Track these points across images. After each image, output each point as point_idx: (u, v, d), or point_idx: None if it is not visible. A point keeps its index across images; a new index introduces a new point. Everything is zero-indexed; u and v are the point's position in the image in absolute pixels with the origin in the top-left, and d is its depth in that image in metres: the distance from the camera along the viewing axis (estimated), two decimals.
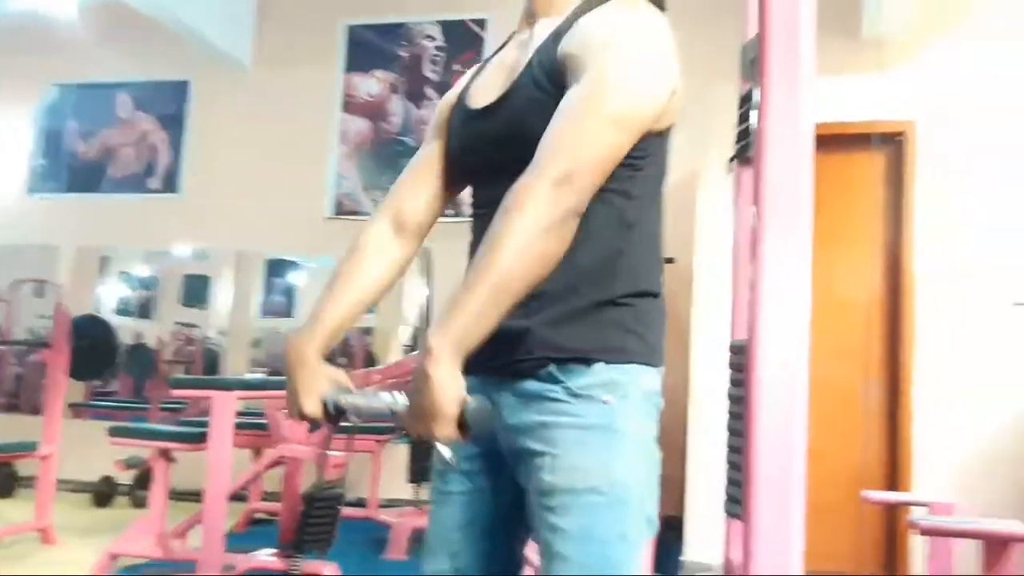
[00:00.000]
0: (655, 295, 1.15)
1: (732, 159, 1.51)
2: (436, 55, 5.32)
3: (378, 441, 4.21)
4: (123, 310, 5.78)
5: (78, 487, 4.80)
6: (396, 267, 1.29)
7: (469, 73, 1.35)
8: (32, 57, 5.77)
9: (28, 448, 3.90)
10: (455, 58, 5.26)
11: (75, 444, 4.22)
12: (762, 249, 1.12)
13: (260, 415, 3.83)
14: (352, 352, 5.58)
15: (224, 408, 2.82)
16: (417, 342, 5.43)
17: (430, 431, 0.96)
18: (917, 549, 3.37)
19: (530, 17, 1.25)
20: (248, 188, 5.37)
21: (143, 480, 4.66)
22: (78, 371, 4.06)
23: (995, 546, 1.87)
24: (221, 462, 2.85)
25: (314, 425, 1.21)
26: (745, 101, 1.40)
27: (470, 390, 1.16)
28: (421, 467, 4.05)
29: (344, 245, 4.64)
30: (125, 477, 4.60)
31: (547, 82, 1.12)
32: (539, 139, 1.08)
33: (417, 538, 3.92)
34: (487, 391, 1.11)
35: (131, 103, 5.73)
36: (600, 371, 1.08)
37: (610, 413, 1.07)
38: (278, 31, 5.53)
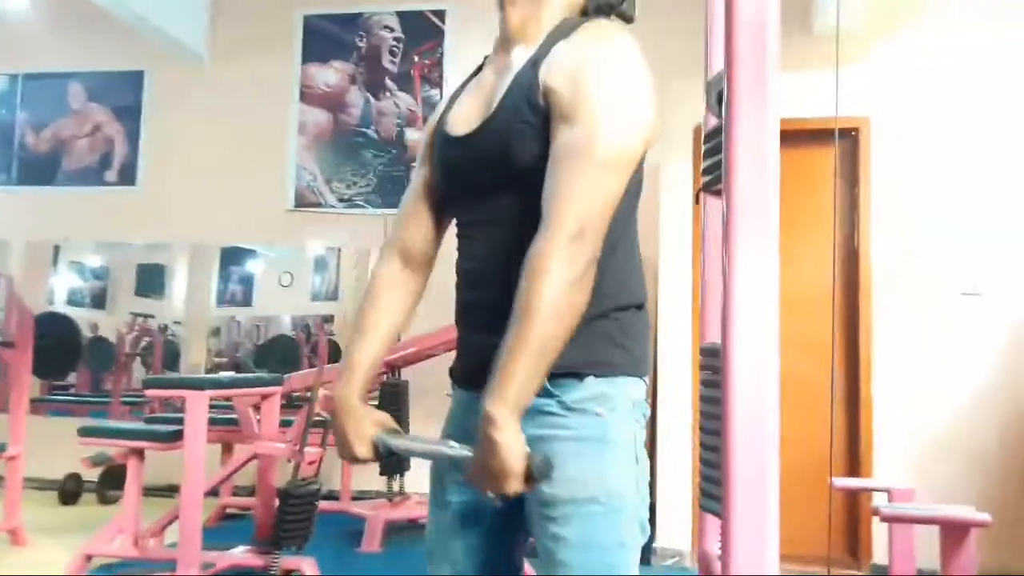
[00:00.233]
0: (639, 307, 1.22)
1: (700, 191, 1.59)
2: (395, 46, 5.32)
3: None
4: (75, 301, 5.69)
5: (43, 485, 4.75)
6: (412, 298, 1.37)
7: (447, 97, 1.39)
8: None
9: None
10: (414, 49, 5.26)
11: (36, 441, 4.15)
12: (733, 275, 1.19)
13: (228, 407, 3.86)
14: (313, 341, 5.60)
15: (198, 407, 2.84)
16: None
17: (501, 488, 1.05)
18: (880, 533, 3.53)
19: (505, 43, 1.29)
20: (208, 180, 5.32)
21: (110, 477, 4.64)
22: (41, 369, 4.02)
23: (953, 531, 1.99)
24: (196, 461, 2.87)
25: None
26: (712, 136, 1.46)
27: (466, 404, 1.23)
28: (394, 459, 4.11)
29: (306, 236, 4.66)
30: (91, 474, 4.56)
31: (528, 110, 1.16)
32: (521, 164, 1.15)
33: (391, 530, 3.98)
34: (474, 403, 1.18)
35: (84, 94, 5.62)
36: (591, 384, 1.15)
37: (603, 425, 1.14)
38: (234, 21, 5.47)
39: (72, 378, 5.69)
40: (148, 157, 5.51)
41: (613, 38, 1.18)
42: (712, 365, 1.51)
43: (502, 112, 1.19)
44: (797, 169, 4.14)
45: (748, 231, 1.23)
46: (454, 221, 1.35)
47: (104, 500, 4.71)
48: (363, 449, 1.23)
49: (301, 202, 5.29)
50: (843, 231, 3.99)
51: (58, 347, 3.99)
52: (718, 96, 1.36)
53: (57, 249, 5.70)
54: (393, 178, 5.21)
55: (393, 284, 1.35)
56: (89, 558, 3.13)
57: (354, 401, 1.26)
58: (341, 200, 5.25)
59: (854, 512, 3.86)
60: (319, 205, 5.27)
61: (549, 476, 1.05)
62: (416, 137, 5.20)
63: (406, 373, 4.29)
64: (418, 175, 1.39)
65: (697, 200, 1.50)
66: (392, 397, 4.17)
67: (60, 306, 5.60)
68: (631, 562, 1.16)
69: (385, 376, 4.30)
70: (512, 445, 1.03)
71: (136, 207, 5.42)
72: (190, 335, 5.63)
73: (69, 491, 4.74)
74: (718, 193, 1.39)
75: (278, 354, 5.59)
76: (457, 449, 1.12)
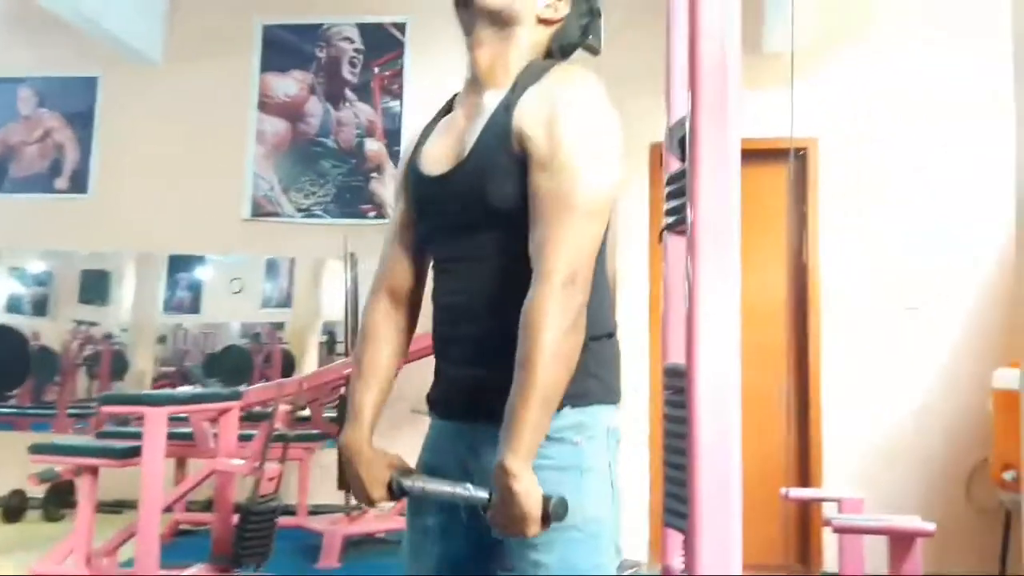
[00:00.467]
0: (610, 335, 1.27)
1: (663, 230, 1.64)
2: (355, 57, 5.31)
3: (306, 448, 4.22)
4: (15, 307, 5.50)
5: None
6: (406, 336, 1.40)
7: (417, 133, 1.42)
8: None
9: None
10: (374, 60, 5.27)
11: None
12: (697, 304, 1.24)
13: (183, 420, 3.80)
14: (266, 350, 5.54)
15: (156, 424, 2.81)
16: (334, 342, 5.43)
17: (523, 533, 1.10)
18: (830, 540, 3.63)
19: (475, 84, 1.32)
20: (163, 189, 5.24)
21: (56, 493, 4.54)
22: None
23: (901, 540, 2.08)
24: (154, 478, 2.84)
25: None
26: (674, 179, 1.51)
27: (446, 435, 1.26)
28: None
29: (262, 246, 4.62)
30: (35, 490, 4.46)
31: (503, 154, 1.20)
32: (498, 205, 1.20)
33: (349, 545, 3.96)
34: (463, 435, 1.21)
35: (34, 99, 5.50)
36: (568, 415, 1.18)
37: (580, 453, 1.19)
38: (191, 28, 5.41)
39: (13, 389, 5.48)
40: (101, 164, 5.39)
41: (581, 82, 1.23)
42: (675, 385, 1.56)
43: (476, 155, 1.23)
44: (746, 187, 4.23)
45: (712, 265, 1.28)
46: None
47: (50, 517, 4.60)
48: (379, 492, 1.27)
49: (258, 211, 5.24)
50: (793, 247, 4.11)
51: (4, 363, 3.87)
52: (680, 141, 1.41)
53: None
54: (352, 188, 5.20)
55: (386, 324, 1.38)
56: None
57: (365, 447, 1.29)
58: (299, 210, 5.22)
59: (805, 520, 3.97)
60: (276, 215, 5.23)
61: (564, 516, 1.10)
62: (375, 148, 5.21)
63: None
64: (397, 213, 1.41)
65: (660, 239, 1.55)
66: None
67: None
68: None
69: (344, 389, 4.29)
70: (530, 493, 1.08)
71: (88, 215, 5.30)
72: (136, 343, 5.49)
73: (13, 508, 4.61)
74: (681, 232, 1.44)
75: (229, 364, 5.51)
76: (472, 491, 1.16)
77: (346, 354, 4.54)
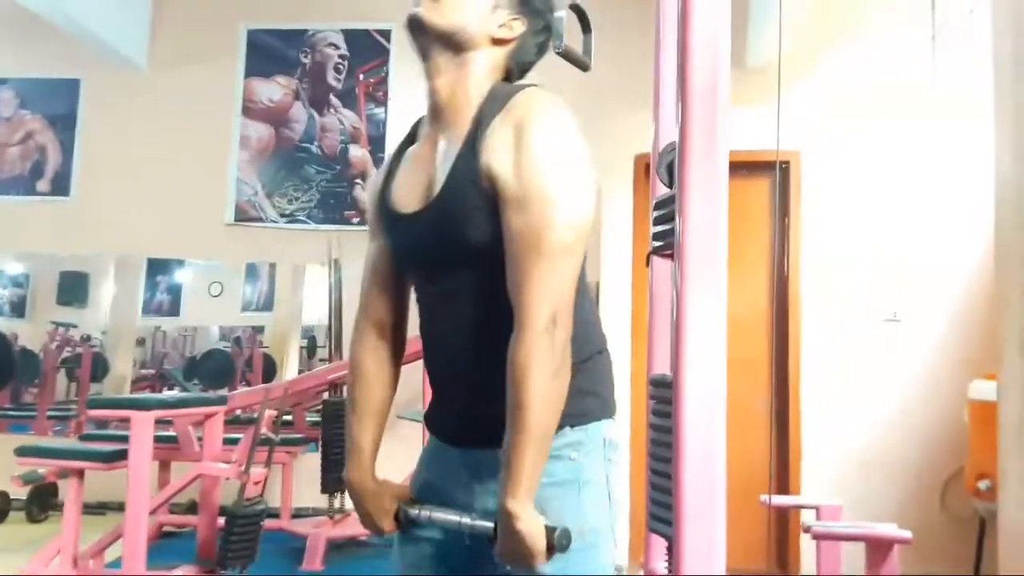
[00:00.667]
0: (601, 351, 1.32)
1: (650, 254, 1.68)
2: (340, 63, 5.34)
3: (289, 452, 4.24)
4: None
5: None
6: (395, 366, 1.43)
7: (383, 167, 1.41)
8: None
9: None
10: (359, 67, 5.30)
11: None
12: (684, 319, 1.29)
13: (166, 423, 3.81)
14: (247, 354, 5.54)
15: (143, 428, 2.83)
16: (315, 346, 5.46)
17: (529, 567, 1.15)
18: (807, 546, 3.71)
19: (437, 114, 1.30)
20: (145, 193, 5.23)
21: (38, 495, 4.54)
22: None
23: (878, 547, 2.14)
24: (141, 481, 2.86)
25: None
26: (664, 204, 1.56)
27: (445, 455, 1.30)
28: (335, 477, 4.12)
29: (246, 251, 4.62)
30: (18, 491, 4.45)
31: (475, 194, 1.19)
32: (473, 243, 1.20)
33: (332, 548, 3.99)
34: (463, 458, 1.27)
35: (16, 101, 5.48)
36: (566, 433, 1.22)
37: (577, 468, 1.23)
38: (176, 31, 5.42)
39: None
40: (83, 168, 5.38)
41: (547, 112, 1.20)
42: (662, 396, 1.61)
43: (447, 194, 1.22)
44: (728, 199, 4.31)
45: (699, 282, 1.33)
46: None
47: (33, 519, 4.58)
48: (388, 523, 1.33)
49: (242, 216, 5.25)
50: (774, 259, 4.19)
51: None
52: (668, 166, 1.45)
53: None
54: (336, 194, 5.22)
55: (374, 360, 1.40)
56: None
57: (369, 484, 1.35)
58: (282, 215, 5.24)
59: (783, 525, 4.04)
60: (260, 220, 5.24)
61: (568, 546, 1.16)
62: (359, 154, 5.24)
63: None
64: (373, 248, 1.42)
65: (648, 263, 1.59)
66: (335, 415, 4.19)
67: None
68: None
69: (327, 394, 4.32)
70: (534, 532, 1.13)
71: (70, 218, 5.28)
72: (115, 346, 5.47)
73: None
74: (668, 256, 1.50)
75: (211, 368, 5.51)
76: (478, 522, 1.22)
77: (329, 359, 4.57)
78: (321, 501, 4.36)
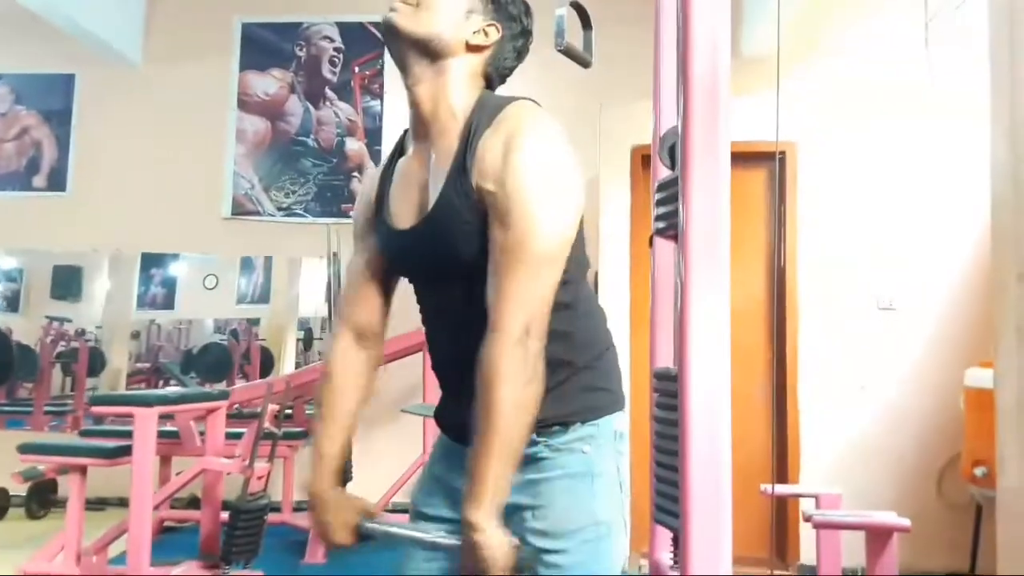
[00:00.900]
0: (607, 348, 1.33)
1: (653, 236, 1.69)
2: (335, 56, 5.33)
3: (290, 446, 4.26)
4: None
5: None
6: (370, 371, 1.42)
7: (375, 176, 1.42)
8: None
9: None
10: (354, 60, 5.29)
11: None
12: (688, 310, 1.30)
13: (169, 418, 3.82)
14: (245, 347, 5.53)
15: (147, 424, 2.84)
16: (311, 339, 5.46)
17: None
18: (806, 534, 3.74)
19: (423, 127, 1.31)
20: (142, 188, 5.23)
21: (38, 492, 4.55)
22: None
23: (878, 536, 2.17)
24: (144, 477, 2.87)
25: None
26: (666, 187, 1.57)
27: (457, 453, 1.31)
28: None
29: (244, 245, 4.61)
30: (18, 487, 4.46)
31: (468, 212, 1.21)
32: (468, 259, 1.21)
33: None
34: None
35: (11, 96, 5.46)
36: (578, 428, 1.25)
37: (588, 460, 1.25)
38: (170, 25, 5.40)
39: None
40: (79, 163, 5.37)
41: (537, 126, 1.21)
42: (666, 389, 1.63)
43: (441, 210, 1.23)
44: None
45: (703, 272, 1.34)
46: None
47: (32, 515, 4.59)
48: (344, 537, 1.30)
49: (239, 210, 5.26)
50: (771, 248, 4.21)
51: None
52: (670, 149, 1.46)
53: None
54: (332, 187, 5.23)
55: (349, 362, 1.39)
56: None
57: (330, 494, 1.32)
58: (279, 209, 5.24)
59: (782, 514, 4.07)
60: (257, 213, 5.25)
61: (535, 568, 1.14)
62: (356, 147, 5.24)
63: None
64: (359, 256, 1.43)
65: (650, 244, 1.60)
66: None
67: None
68: None
69: None
70: (495, 546, 1.11)
71: (66, 214, 5.28)
72: (110, 340, 5.45)
73: None
74: (671, 238, 1.51)
75: (209, 361, 5.51)
76: (443, 537, 1.20)
77: None
78: None
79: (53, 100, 5.43)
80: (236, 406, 3.98)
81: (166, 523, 4.31)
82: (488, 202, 1.19)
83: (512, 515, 1.25)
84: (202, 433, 3.43)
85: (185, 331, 5.62)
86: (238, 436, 3.42)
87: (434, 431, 4.42)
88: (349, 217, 5.23)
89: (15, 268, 5.58)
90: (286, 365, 5.34)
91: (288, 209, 5.23)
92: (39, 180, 5.40)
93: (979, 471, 3.33)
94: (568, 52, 1.47)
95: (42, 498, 4.60)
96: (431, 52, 1.28)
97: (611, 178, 4.18)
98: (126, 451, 3.01)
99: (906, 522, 2.22)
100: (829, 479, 3.84)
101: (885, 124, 4.21)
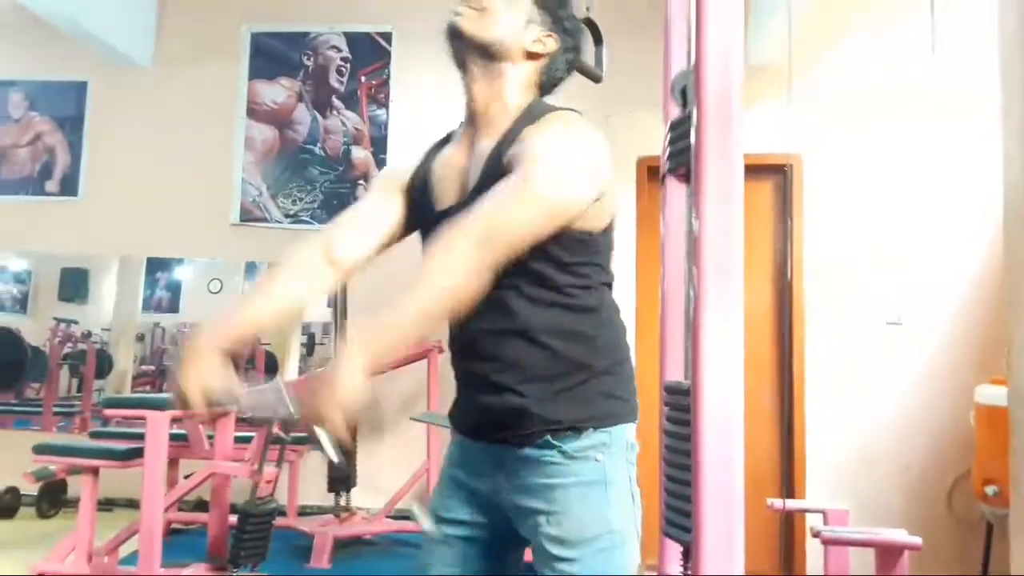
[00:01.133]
0: (625, 359, 1.38)
1: (665, 174, 1.70)
2: (342, 65, 5.38)
3: (295, 451, 4.30)
4: None
5: None
6: (315, 289, 1.40)
7: (423, 154, 1.48)
8: None
9: None
10: (361, 69, 5.34)
11: None
12: (701, 332, 1.34)
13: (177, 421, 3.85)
14: (248, 351, 5.57)
15: (159, 428, 2.88)
16: (313, 344, 5.50)
17: (325, 411, 1.06)
18: (812, 546, 3.75)
19: (473, 122, 1.39)
20: (152, 194, 5.28)
21: (48, 491, 4.59)
22: None
23: (889, 553, 2.19)
24: (156, 479, 2.91)
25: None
26: (677, 126, 1.60)
27: (474, 454, 1.36)
28: (341, 476, 4.18)
29: (251, 251, 4.68)
30: (31, 488, 4.49)
31: (501, 178, 1.25)
32: None
33: (338, 546, 4.04)
34: (494, 456, 1.31)
35: (25, 103, 5.52)
36: (592, 435, 1.29)
37: (602, 468, 1.29)
38: (181, 34, 5.46)
39: None
40: (91, 168, 5.42)
41: (572, 123, 1.29)
42: (677, 403, 1.67)
43: (479, 194, 1.28)
44: None
45: (716, 288, 1.39)
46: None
47: (43, 515, 4.64)
48: (195, 398, 1.20)
49: (247, 217, 5.30)
50: (778, 260, 4.25)
51: (4, 363, 3.91)
52: (682, 90, 1.50)
53: None
54: (339, 195, 5.27)
55: (303, 268, 1.38)
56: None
57: (204, 347, 1.22)
58: (287, 216, 5.29)
59: (789, 526, 4.10)
60: (264, 220, 5.29)
61: (379, 431, 1.12)
62: (362, 156, 5.28)
63: None
64: (370, 198, 1.47)
65: (663, 182, 1.64)
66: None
67: None
68: None
69: None
70: (347, 384, 1.06)
71: (78, 219, 5.34)
72: (117, 342, 5.51)
73: (7, 505, 4.64)
74: (681, 177, 1.54)
75: None
76: (288, 403, 1.17)
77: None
78: (327, 499, 4.41)
79: (66, 107, 5.48)
80: None
81: (173, 525, 4.36)
82: (511, 168, 1.23)
83: (526, 518, 1.29)
84: (210, 437, 3.47)
85: (189, 334, 5.65)
86: (245, 440, 3.47)
87: (438, 437, 4.47)
88: None
89: (24, 270, 5.63)
90: (290, 370, 5.38)
91: (295, 216, 5.27)
92: (52, 185, 5.46)
93: (990, 490, 3.31)
94: (580, 68, 1.51)
95: (52, 498, 4.64)
96: (491, 55, 1.35)
97: (617, 188, 4.23)
98: (138, 453, 3.05)
99: (917, 540, 2.23)
100: (837, 493, 3.85)
101: (892, 136, 4.24)
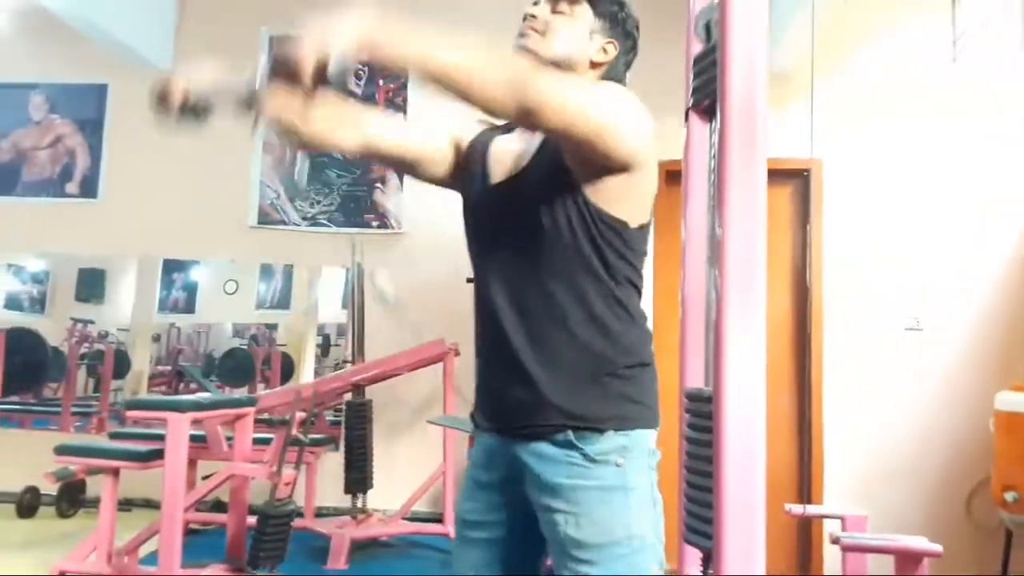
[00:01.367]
0: (648, 364, 1.38)
1: (688, 109, 1.70)
2: (360, 69, 5.41)
3: (313, 452, 4.32)
4: (13, 305, 5.53)
5: None
6: (338, 115, 1.44)
7: (478, 132, 1.52)
8: None
9: None
10: (379, 73, 5.36)
11: None
12: (724, 340, 1.35)
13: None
14: (266, 353, 5.60)
15: (180, 429, 2.91)
16: (328, 345, 5.53)
17: (298, 57, 1.09)
18: (829, 550, 3.74)
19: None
20: (170, 195, 5.32)
21: (68, 491, 4.63)
22: (11, 386, 4.00)
23: (908, 560, 2.19)
24: (176, 481, 2.94)
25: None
26: (701, 59, 1.60)
27: (501, 454, 1.37)
28: (358, 478, 4.20)
29: (269, 253, 4.68)
30: (50, 487, 4.53)
31: (551, 168, 1.31)
32: (543, 218, 1.30)
33: (355, 548, 4.06)
34: (507, 447, 1.32)
35: (46, 105, 5.57)
36: (611, 438, 1.29)
37: (623, 474, 1.29)
38: (200, 36, 5.49)
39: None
40: (110, 171, 5.47)
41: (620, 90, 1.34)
42: (698, 410, 1.67)
43: (530, 171, 1.35)
44: None
45: (739, 295, 1.40)
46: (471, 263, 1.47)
47: (62, 514, 4.68)
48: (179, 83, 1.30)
49: (264, 219, 5.34)
50: (796, 265, 4.24)
51: (26, 364, 3.96)
52: (705, 25, 1.52)
53: None
54: (356, 197, 5.29)
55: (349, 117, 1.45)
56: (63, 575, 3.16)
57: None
58: (304, 218, 5.32)
59: (806, 530, 4.09)
60: (282, 223, 5.32)
61: (338, 80, 1.10)
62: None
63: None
64: (440, 134, 1.52)
65: (686, 118, 1.64)
66: (358, 416, 4.28)
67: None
68: None
69: (351, 395, 4.40)
70: (346, 28, 1.09)
71: (97, 220, 5.38)
72: (133, 342, 5.54)
73: (27, 504, 4.69)
74: (704, 112, 1.54)
75: (231, 366, 5.59)
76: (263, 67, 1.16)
77: (352, 361, 4.64)
78: (344, 501, 4.43)
79: (86, 109, 5.53)
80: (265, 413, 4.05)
81: (191, 525, 4.38)
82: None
83: (546, 516, 1.30)
84: (228, 438, 3.50)
85: (204, 335, 5.69)
86: (263, 442, 3.49)
87: (454, 440, 4.46)
88: (372, 227, 5.34)
89: (42, 270, 5.68)
90: (306, 371, 5.41)
91: (312, 219, 5.30)
92: (72, 187, 5.51)
93: (1010, 496, 3.29)
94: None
95: (72, 497, 4.69)
96: (559, 69, 1.38)
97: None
98: (158, 455, 3.08)
99: (937, 547, 2.23)
100: (855, 499, 3.84)
101: (911, 141, 4.22)
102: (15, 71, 5.58)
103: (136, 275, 5.50)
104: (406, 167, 1.52)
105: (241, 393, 5.20)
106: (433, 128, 1.52)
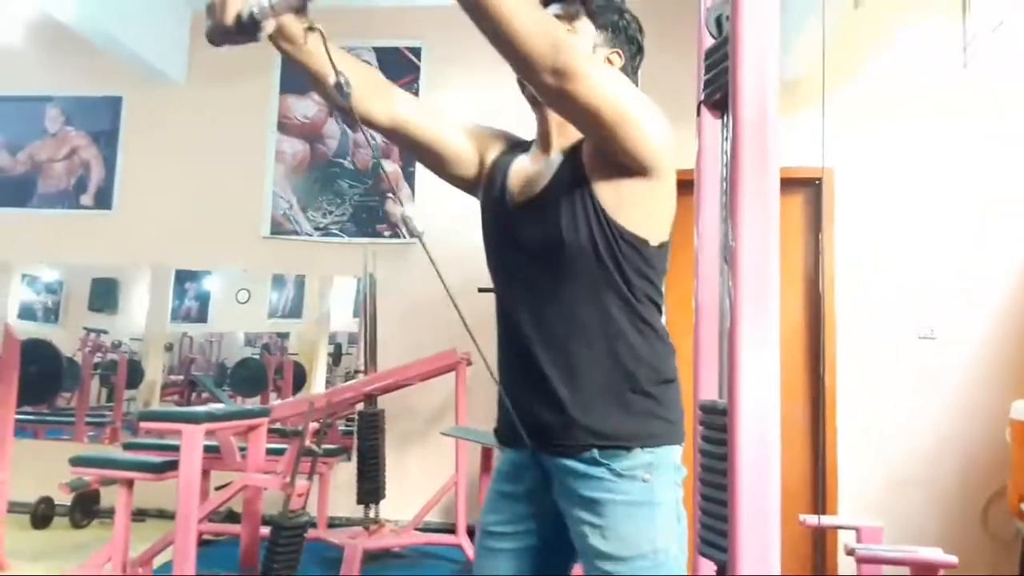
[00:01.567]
0: (672, 380, 1.39)
1: (700, 103, 1.69)
2: (366, 61, 5.43)
3: (326, 462, 4.33)
4: (27, 315, 5.58)
5: (11, 507, 4.71)
6: (358, 74, 1.39)
7: (501, 145, 1.52)
8: None
9: None
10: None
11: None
12: (738, 351, 1.34)
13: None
14: (278, 362, 5.61)
15: (194, 440, 2.92)
16: (340, 354, 5.54)
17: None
18: (843, 562, 3.72)
19: (545, 142, 1.44)
20: (184, 207, 5.37)
21: (82, 502, 4.65)
22: (27, 397, 4.03)
23: (924, 572, 2.17)
24: (191, 492, 2.94)
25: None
26: (712, 53, 1.60)
27: (526, 468, 1.37)
28: (371, 488, 4.20)
29: (281, 263, 4.70)
30: (64, 498, 4.55)
31: (573, 185, 1.32)
32: (566, 237, 1.30)
33: (367, 558, 4.06)
34: (535, 459, 1.34)
35: (61, 118, 5.63)
36: (638, 454, 1.30)
37: (649, 490, 1.30)
38: (212, 50, 5.44)
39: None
40: (124, 182, 5.52)
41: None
42: (713, 422, 1.67)
43: (550, 191, 1.35)
44: None
45: (752, 309, 1.39)
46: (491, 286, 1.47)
47: (76, 524, 4.70)
48: (231, 19, 1.27)
49: (277, 230, 5.36)
50: (809, 274, 4.23)
51: (41, 375, 3.99)
52: (716, 19, 1.51)
53: (6, 264, 5.62)
54: (368, 208, 5.32)
55: (375, 80, 1.44)
56: None
57: None
58: (317, 228, 5.34)
59: (820, 540, 4.07)
60: (295, 233, 5.35)
61: (254, 33, 1.15)
62: (391, 169, 5.33)
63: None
64: (459, 122, 1.50)
65: (698, 112, 1.64)
66: (370, 426, 4.28)
67: (11, 321, 5.45)
68: None
69: (363, 405, 4.41)
70: None
71: (111, 231, 5.43)
72: (146, 352, 5.57)
73: (41, 515, 4.72)
74: (716, 106, 1.53)
75: (244, 376, 5.61)
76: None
77: (365, 371, 4.65)
78: (356, 511, 4.44)
79: (101, 121, 5.58)
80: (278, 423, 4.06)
81: (204, 536, 4.40)
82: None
83: (574, 527, 1.31)
84: (241, 448, 3.51)
85: (216, 344, 5.71)
86: (277, 452, 3.50)
87: (467, 451, 4.45)
88: (384, 237, 5.37)
89: (56, 281, 5.72)
90: (318, 380, 5.42)
91: (325, 229, 5.32)
92: (86, 199, 5.56)
93: None
94: None
95: (86, 508, 4.71)
96: None
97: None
98: (173, 466, 3.09)
99: (953, 559, 2.22)
100: (868, 508, 3.82)
101: (923, 148, 4.21)
102: (31, 84, 5.65)
103: (149, 285, 5.53)
104: (431, 158, 1.49)
105: (253, 402, 5.22)
106: (461, 127, 1.51)
